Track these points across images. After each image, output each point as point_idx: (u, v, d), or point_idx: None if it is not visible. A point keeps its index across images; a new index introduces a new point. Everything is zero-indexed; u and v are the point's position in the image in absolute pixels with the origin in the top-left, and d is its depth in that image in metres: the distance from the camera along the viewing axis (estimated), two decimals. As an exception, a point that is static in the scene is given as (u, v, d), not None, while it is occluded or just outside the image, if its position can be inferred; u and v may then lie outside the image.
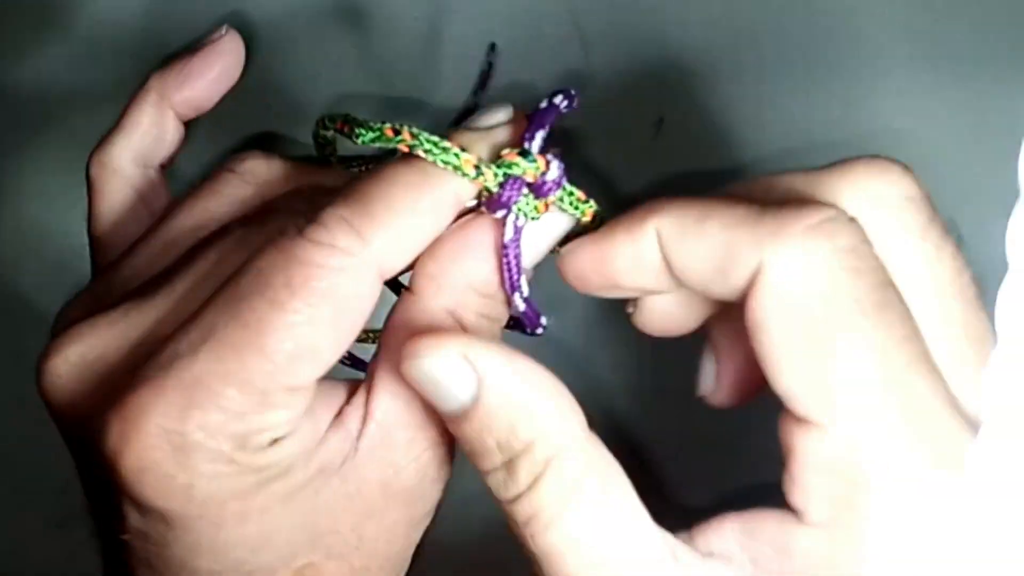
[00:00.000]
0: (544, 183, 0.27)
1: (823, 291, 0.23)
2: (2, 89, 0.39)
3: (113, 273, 0.31)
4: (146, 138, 0.33)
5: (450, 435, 0.28)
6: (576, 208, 0.29)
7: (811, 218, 0.23)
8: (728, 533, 0.26)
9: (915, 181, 0.26)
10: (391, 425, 0.27)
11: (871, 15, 0.39)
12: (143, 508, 0.25)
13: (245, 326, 0.24)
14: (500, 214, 0.28)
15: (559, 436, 0.25)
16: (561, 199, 0.28)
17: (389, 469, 0.27)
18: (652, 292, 0.28)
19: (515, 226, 0.27)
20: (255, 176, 0.32)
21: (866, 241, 0.24)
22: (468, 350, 0.25)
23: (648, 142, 0.40)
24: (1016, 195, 0.26)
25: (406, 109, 0.40)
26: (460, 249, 0.28)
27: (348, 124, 0.28)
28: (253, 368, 0.24)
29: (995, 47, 0.39)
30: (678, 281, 0.26)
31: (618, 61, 0.39)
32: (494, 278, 0.28)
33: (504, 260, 0.28)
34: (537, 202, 0.28)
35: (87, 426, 0.25)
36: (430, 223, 0.27)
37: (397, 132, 0.27)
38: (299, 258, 0.25)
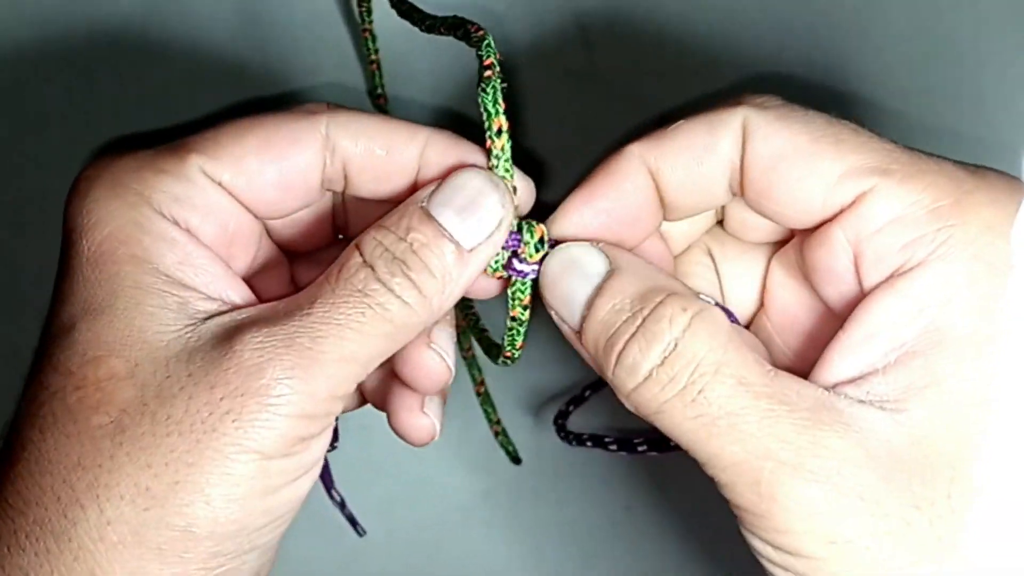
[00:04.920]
0: None
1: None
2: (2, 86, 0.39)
3: None
4: None
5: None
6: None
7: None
8: (852, 345, 0.28)
9: None
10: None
11: (872, 15, 0.39)
12: (67, 220, 0.29)
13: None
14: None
15: (698, 301, 0.28)
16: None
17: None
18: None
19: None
20: None
21: None
22: (598, 242, 0.30)
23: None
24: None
25: (405, 104, 0.40)
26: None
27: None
28: (185, 157, 0.29)
29: (994, 47, 0.39)
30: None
31: (621, 60, 0.39)
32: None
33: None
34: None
35: None
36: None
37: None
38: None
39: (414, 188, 0.31)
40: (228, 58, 0.39)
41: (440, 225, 0.28)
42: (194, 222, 0.29)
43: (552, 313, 0.30)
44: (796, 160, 0.28)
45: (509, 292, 0.31)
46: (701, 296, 0.32)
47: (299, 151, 0.30)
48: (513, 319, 0.31)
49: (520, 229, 0.30)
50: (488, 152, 0.29)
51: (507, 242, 0.30)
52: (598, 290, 0.28)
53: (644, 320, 0.27)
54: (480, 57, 0.29)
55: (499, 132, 0.29)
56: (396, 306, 0.28)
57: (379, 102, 0.40)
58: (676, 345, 0.26)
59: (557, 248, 0.30)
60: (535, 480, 0.43)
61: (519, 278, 0.30)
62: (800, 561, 0.26)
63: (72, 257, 0.28)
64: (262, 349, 0.26)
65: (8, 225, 0.40)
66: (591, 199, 0.30)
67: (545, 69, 0.39)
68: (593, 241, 0.30)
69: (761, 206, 0.29)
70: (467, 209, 0.29)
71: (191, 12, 0.39)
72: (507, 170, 0.30)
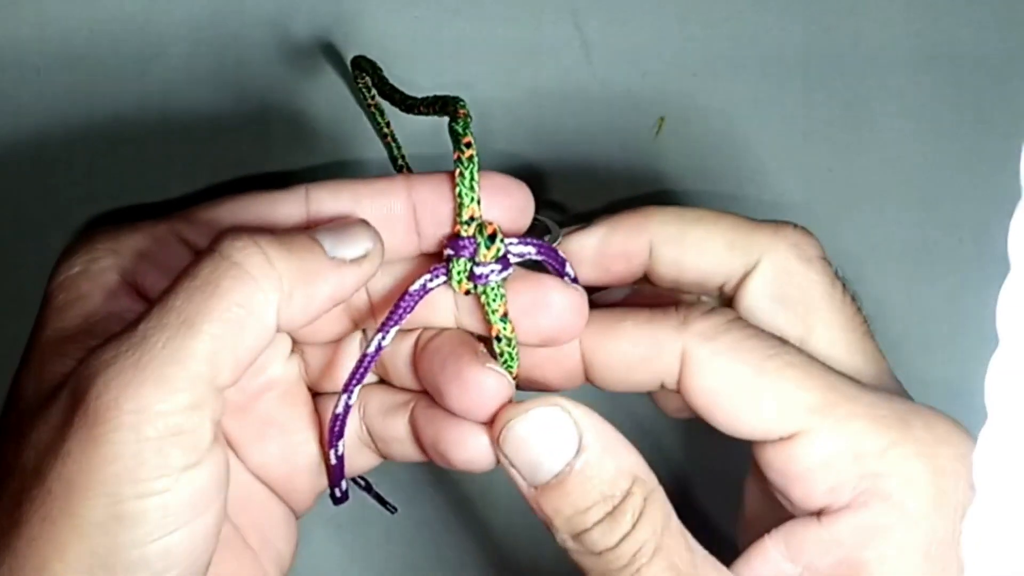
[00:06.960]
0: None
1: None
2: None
3: None
4: None
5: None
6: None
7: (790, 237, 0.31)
8: (772, 554, 0.30)
9: (820, 246, 0.32)
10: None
11: (870, 15, 0.39)
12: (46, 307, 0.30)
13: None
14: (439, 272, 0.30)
15: (649, 475, 0.29)
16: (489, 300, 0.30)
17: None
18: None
19: (346, 403, 0.31)
20: None
21: None
22: (565, 403, 0.28)
23: (649, 142, 0.40)
24: (1017, 196, 0.27)
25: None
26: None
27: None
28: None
29: (994, 47, 0.39)
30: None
31: (619, 61, 0.39)
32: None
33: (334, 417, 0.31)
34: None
35: None
36: None
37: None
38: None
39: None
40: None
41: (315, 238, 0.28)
42: (151, 278, 0.29)
43: (508, 467, 0.29)
44: (737, 396, 0.29)
45: (485, 309, 0.30)
46: (702, 298, 0.33)
47: (279, 218, 0.30)
48: (498, 339, 0.30)
49: (475, 232, 0.29)
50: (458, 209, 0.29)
51: (464, 251, 0.29)
52: (569, 466, 0.28)
53: (614, 510, 0.28)
54: (459, 136, 0.28)
55: (470, 220, 0.29)
56: (233, 275, 0.25)
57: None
58: (632, 529, 0.28)
59: (525, 412, 0.29)
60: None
61: (483, 284, 0.29)
62: None
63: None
64: (82, 375, 0.24)
65: (9, 223, 0.40)
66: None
67: (542, 69, 0.39)
68: (562, 404, 0.28)
69: (703, 416, 0.31)
70: (341, 235, 0.28)
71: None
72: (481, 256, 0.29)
